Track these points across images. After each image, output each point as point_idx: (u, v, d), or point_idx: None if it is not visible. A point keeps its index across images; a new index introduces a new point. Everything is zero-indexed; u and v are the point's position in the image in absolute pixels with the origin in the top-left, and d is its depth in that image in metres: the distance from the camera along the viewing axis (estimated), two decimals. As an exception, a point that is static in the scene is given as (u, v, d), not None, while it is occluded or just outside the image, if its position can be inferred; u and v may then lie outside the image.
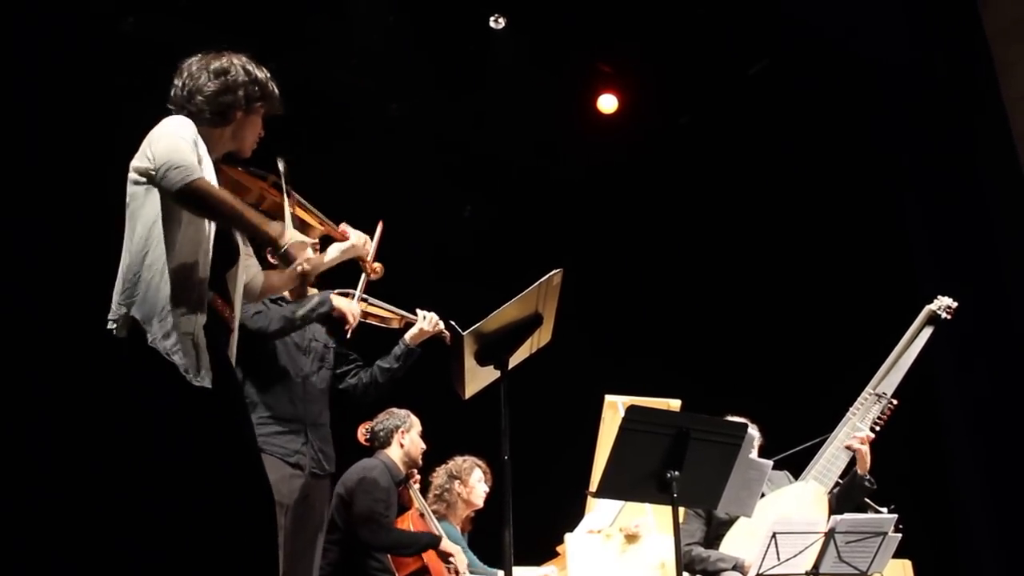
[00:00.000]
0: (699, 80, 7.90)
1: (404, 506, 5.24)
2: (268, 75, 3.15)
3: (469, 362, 3.51)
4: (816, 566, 4.20)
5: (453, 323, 3.45)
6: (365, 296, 4.16)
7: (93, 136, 6.20)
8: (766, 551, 4.10)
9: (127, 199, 2.92)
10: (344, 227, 3.40)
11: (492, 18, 7.15)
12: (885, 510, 4.49)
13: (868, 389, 4.96)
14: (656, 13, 7.28)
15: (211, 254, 2.91)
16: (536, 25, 7.31)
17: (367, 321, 4.25)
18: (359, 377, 4.46)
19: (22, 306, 5.79)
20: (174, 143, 2.83)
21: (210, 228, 2.92)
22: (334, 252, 3.32)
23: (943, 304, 5.13)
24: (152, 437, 2.73)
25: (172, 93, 3.07)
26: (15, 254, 5.82)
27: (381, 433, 5.23)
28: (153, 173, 2.79)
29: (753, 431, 3.90)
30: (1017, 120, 6.66)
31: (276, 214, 3.09)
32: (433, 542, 4.95)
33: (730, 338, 8.02)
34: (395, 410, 5.29)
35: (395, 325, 4.38)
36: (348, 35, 6.89)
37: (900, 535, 4.29)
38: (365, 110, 7.32)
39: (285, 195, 3.12)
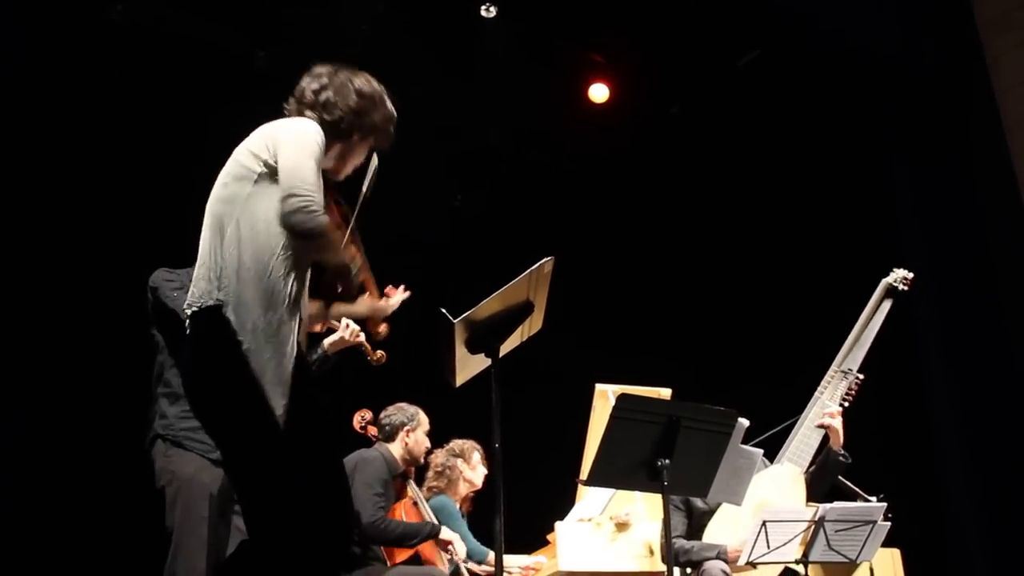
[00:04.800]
0: (690, 70, 7.90)
1: (397, 495, 5.24)
2: (394, 112, 3.15)
3: (460, 350, 3.50)
4: (805, 554, 4.21)
5: (444, 310, 3.43)
6: None
7: (84, 126, 6.19)
8: (755, 540, 4.11)
9: (225, 179, 2.84)
10: (389, 290, 3.33)
11: (483, 7, 7.14)
12: (874, 499, 4.50)
13: (834, 367, 4.98)
14: (647, 3, 7.27)
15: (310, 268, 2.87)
16: (527, 14, 7.30)
17: None
18: None
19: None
20: (311, 167, 2.75)
21: None
22: (361, 307, 3.24)
23: (899, 276, 5.13)
24: (225, 440, 2.76)
25: (300, 94, 3.04)
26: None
27: (387, 427, 5.23)
28: (272, 169, 2.76)
29: (742, 420, 3.91)
30: (1007, 111, 6.67)
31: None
32: (434, 531, 4.96)
33: (722, 326, 8.04)
34: (405, 406, 5.28)
35: (317, 329, 4.31)
36: (337, 25, 6.86)
37: (889, 523, 4.30)
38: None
39: (349, 231, 3.03)
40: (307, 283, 2.93)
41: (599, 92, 7.96)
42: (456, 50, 7.35)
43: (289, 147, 2.79)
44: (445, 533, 4.99)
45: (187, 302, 2.82)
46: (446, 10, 7.19)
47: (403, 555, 4.96)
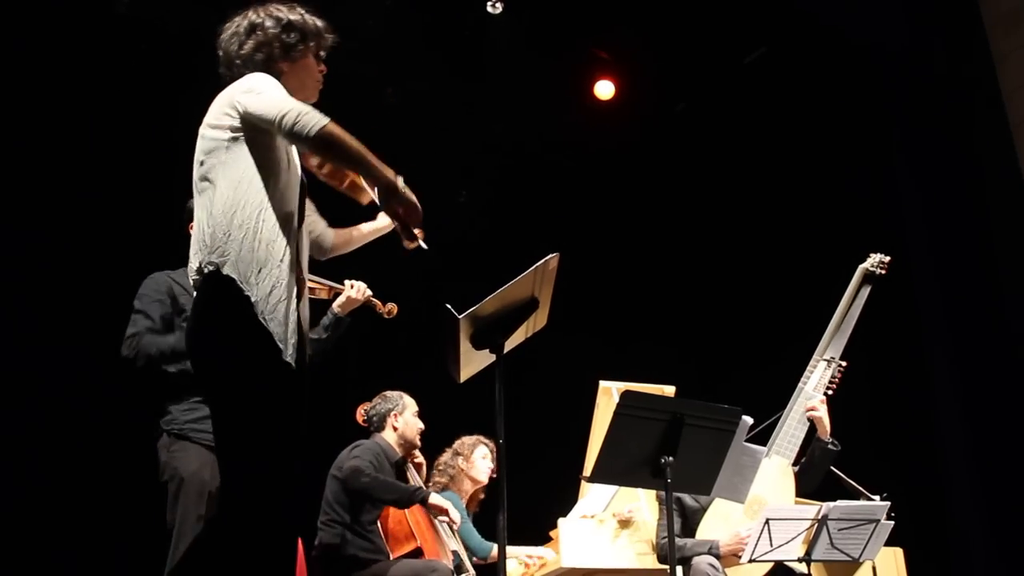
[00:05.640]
0: (696, 67, 7.89)
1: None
2: (304, 12, 3.09)
3: (464, 346, 3.51)
4: (808, 553, 4.21)
5: (449, 306, 3.43)
6: None
7: (91, 119, 6.19)
8: (759, 537, 4.11)
9: (200, 157, 2.86)
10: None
11: (490, 3, 7.13)
12: (877, 497, 4.50)
13: (816, 356, 4.98)
14: (653, 0, 7.26)
15: (299, 212, 2.89)
16: (534, 11, 7.29)
17: None
18: None
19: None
20: (282, 92, 2.80)
21: (298, 186, 2.91)
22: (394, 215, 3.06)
23: (876, 260, 5.13)
24: (230, 400, 2.72)
25: (222, 64, 3.04)
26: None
27: (375, 418, 5.30)
28: (237, 130, 2.76)
29: (746, 418, 3.91)
30: (1014, 110, 6.65)
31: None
32: (420, 495, 4.83)
33: (728, 321, 8.03)
34: (388, 393, 5.35)
35: (323, 295, 4.30)
36: (345, 19, 6.84)
37: (892, 522, 4.30)
38: (361, 95, 7.29)
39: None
40: (304, 244, 2.95)
41: (605, 89, 7.96)
42: (462, 46, 7.34)
43: (253, 94, 2.80)
44: (435, 499, 4.86)
45: (191, 276, 2.86)
46: (452, 6, 7.18)
47: (406, 548, 4.96)
